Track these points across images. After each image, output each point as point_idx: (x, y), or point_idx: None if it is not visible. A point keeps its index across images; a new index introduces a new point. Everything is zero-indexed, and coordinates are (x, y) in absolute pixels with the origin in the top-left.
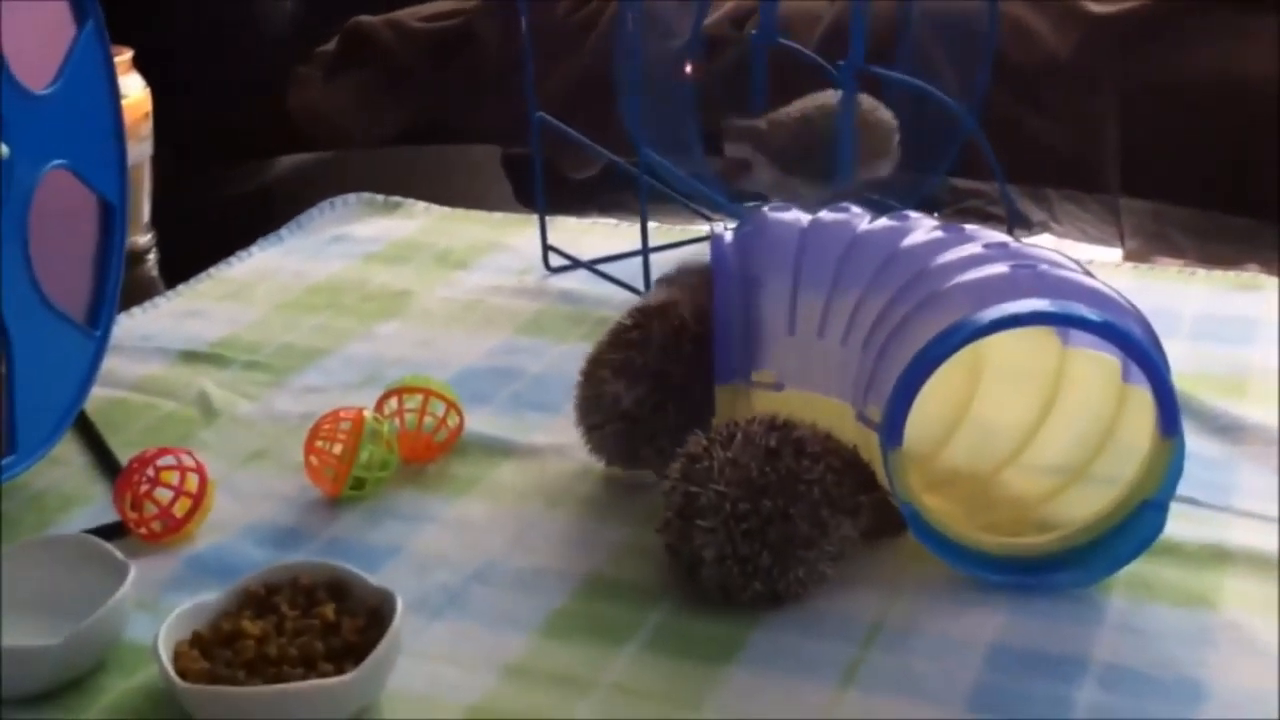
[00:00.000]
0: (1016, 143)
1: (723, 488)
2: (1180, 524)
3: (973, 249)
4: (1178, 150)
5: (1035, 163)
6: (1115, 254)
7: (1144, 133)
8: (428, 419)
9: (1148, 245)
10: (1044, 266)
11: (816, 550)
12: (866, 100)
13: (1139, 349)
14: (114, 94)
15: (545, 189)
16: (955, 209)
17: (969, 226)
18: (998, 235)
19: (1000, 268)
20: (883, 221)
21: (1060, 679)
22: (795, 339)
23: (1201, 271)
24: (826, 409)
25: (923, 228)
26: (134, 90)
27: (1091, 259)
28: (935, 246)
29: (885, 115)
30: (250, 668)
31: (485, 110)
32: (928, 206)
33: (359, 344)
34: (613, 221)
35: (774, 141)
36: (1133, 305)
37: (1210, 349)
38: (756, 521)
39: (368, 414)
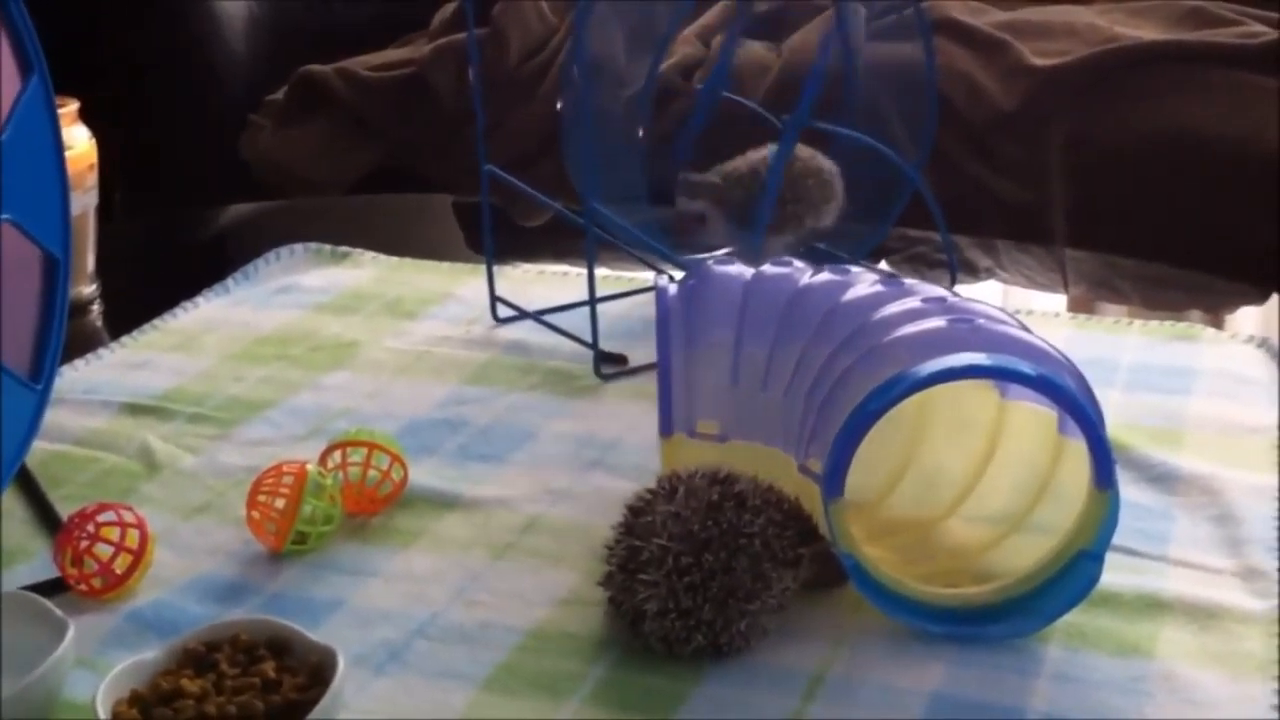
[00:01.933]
0: (965, 193)
1: (665, 541)
2: (1116, 574)
3: (912, 303)
4: (1121, 201)
5: (983, 213)
6: (1060, 301)
7: (1089, 184)
8: (371, 472)
9: (1092, 293)
10: (981, 321)
11: (758, 603)
12: (804, 150)
13: (1073, 403)
14: (58, 148)
15: (497, 237)
16: (904, 255)
17: (909, 280)
18: (936, 289)
19: (938, 322)
20: (824, 275)
21: None
22: (738, 391)
23: (1138, 322)
24: (770, 460)
25: (864, 281)
26: (79, 141)
27: (1032, 309)
28: (875, 300)
29: (825, 163)
30: None
31: (438, 159)
32: (874, 256)
33: (306, 395)
34: (562, 270)
35: (729, 195)
36: (1068, 359)
37: (1146, 399)
38: (698, 575)
39: (311, 468)
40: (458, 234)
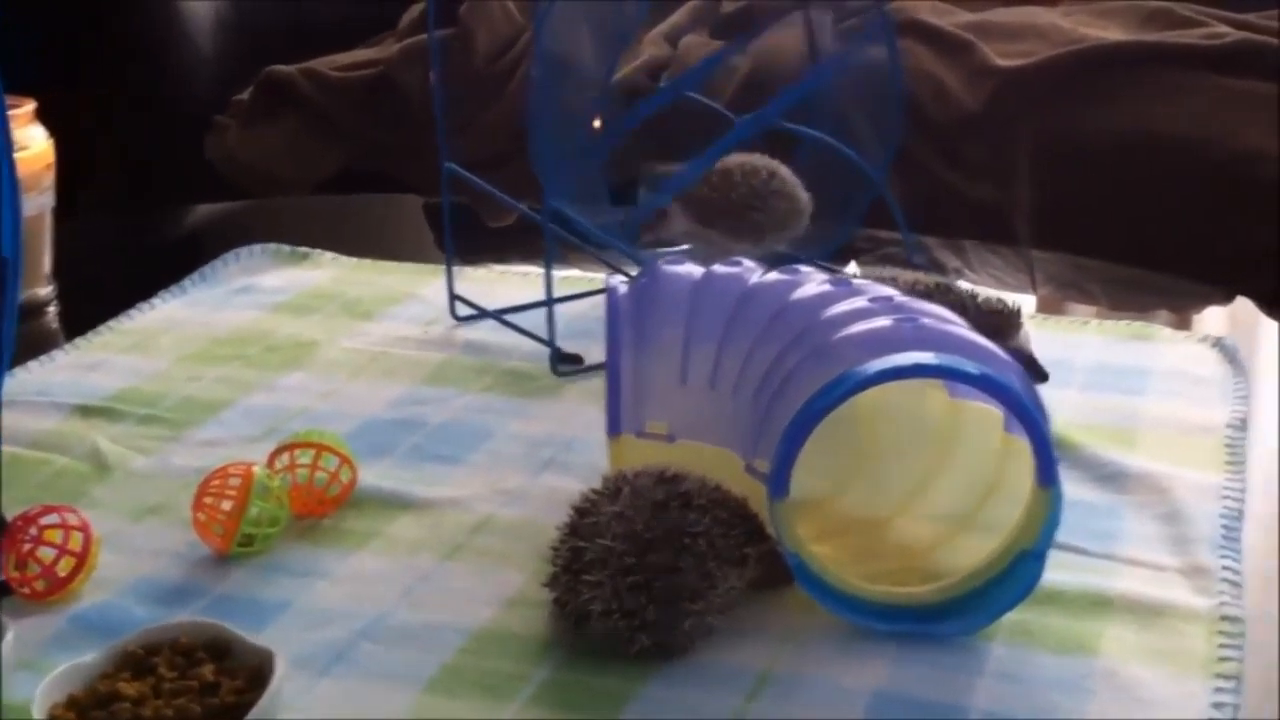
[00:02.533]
0: (932, 194)
1: (610, 542)
2: (1064, 572)
3: (859, 303)
4: (1087, 202)
5: (951, 214)
6: (1028, 302)
7: (1054, 185)
8: (320, 474)
9: (1060, 294)
10: (927, 320)
11: (704, 603)
12: (790, 176)
13: (1016, 401)
14: (6, 146)
15: (467, 238)
16: (874, 256)
17: (857, 280)
18: (884, 289)
19: (884, 321)
20: (774, 275)
21: None
22: (687, 390)
23: (1095, 321)
24: (718, 460)
25: (813, 281)
26: (36, 141)
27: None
28: (823, 300)
29: (803, 195)
30: None
31: (406, 159)
32: (843, 257)
33: (260, 396)
34: (523, 270)
35: (694, 192)
36: (1013, 359)
37: (1101, 398)
38: (643, 575)
39: (258, 469)
40: (428, 234)
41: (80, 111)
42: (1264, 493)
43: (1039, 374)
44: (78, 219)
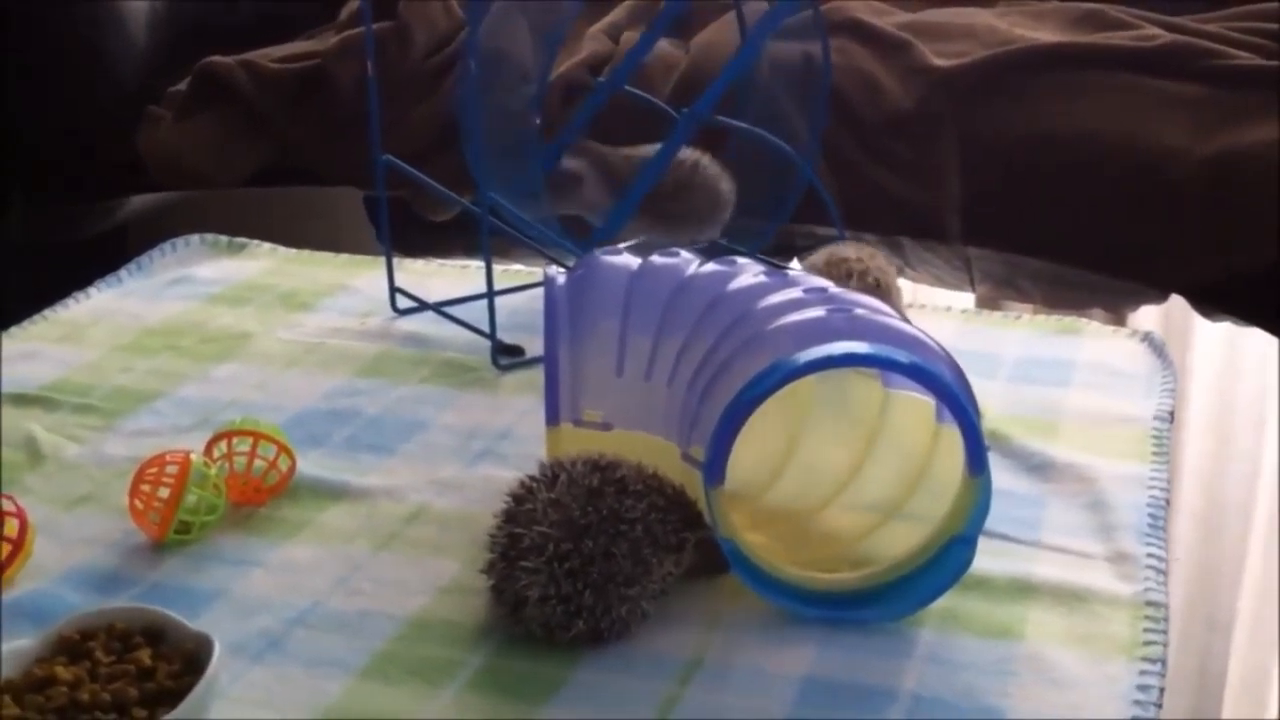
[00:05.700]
0: (868, 194)
1: (546, 529)
2: (990, 559)
3: (794, 293)
4: (1020, 201)
5: (886, 213)
6: (968, 299)
7: (988, 184)
8: (258, 462)
9: (997, 292)
10: (860, 311)
11: (639, 588)
12: (713, 167)
13: (947, 391)
14: None
15: (406, 231)
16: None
17: (793, 272)
18: (819, 280)
19: (818, 311)
20: (710, 266)
21: (869, 709)
22: (623, 380)
23: (1026, 316)
24: (654, 449)
25: (748, 272)
26: None
27: (924, 304)
28: (758, 291)
29: (725, 185)
30: (62, 714)
31: (343, 152)
32: (784, 254)
33: (194, 386)
34: (462, 264)
35: (612, 162)
36: (944, 349)
37: (1027, 391)
38: (579, 561)
39: (195, 457)
40: (364, 228)
41: (12, 103)
42: (1192, 486)
43: None
44: (12, 211)
